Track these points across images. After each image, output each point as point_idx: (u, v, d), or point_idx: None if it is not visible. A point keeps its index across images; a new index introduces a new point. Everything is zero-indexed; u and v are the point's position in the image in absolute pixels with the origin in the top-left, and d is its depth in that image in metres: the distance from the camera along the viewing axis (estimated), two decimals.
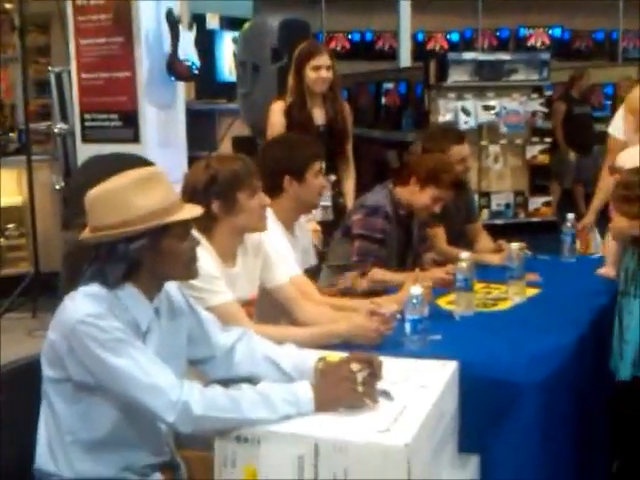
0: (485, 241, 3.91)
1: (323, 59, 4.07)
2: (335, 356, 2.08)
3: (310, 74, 4.05)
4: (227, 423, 1.78)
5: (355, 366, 1.91)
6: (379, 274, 3.18)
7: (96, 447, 1.90)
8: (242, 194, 2.47)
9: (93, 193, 1.88)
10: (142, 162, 2.43)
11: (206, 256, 2.38)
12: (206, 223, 2.41)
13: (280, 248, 2.81)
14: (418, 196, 3.35)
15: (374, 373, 1.93)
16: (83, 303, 1.83)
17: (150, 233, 1.85)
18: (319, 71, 4.05)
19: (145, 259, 1.88)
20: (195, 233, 2.23)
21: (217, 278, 2.41)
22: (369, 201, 3.41)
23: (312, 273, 3.19)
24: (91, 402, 1.87)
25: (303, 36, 4.94)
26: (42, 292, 5.34)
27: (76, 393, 1.87)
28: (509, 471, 2.20)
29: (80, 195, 1.91)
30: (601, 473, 2.90)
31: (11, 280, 5.67)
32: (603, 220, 3.82)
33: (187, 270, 1.98)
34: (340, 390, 1.85)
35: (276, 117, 4.11)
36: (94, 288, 1.86)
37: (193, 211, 1.96)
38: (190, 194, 2.40)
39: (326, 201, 4.12)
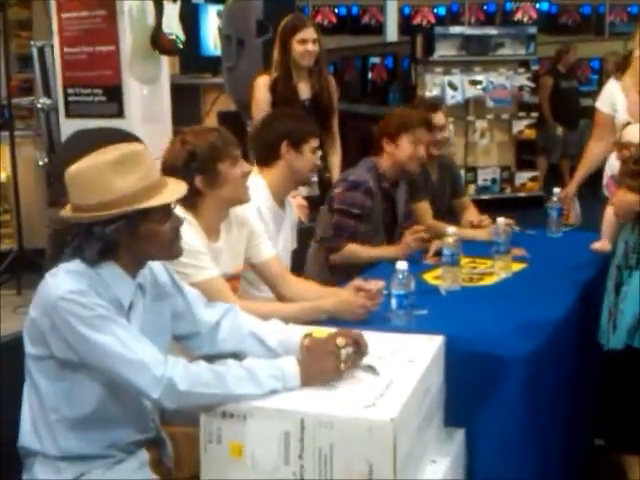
0: (472, 215, 3.89)
1: (309, 32, 4.03)
2: (322, 332, 2.07)
3: (296, 47, 4.01)
4: (212, 399, 1.77)
5: (340, 341, 1.91)
6: (354, 249, 3.20)
7: (80, 424, 1.89)
8: (223, 165, 2.45)
9: (72, 170, 1.84)
10: (128, 137, 2.40)
11: (191, 231, 2.37)
12: (191, 200, 2.39)
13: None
14: (398, 153, 3.36)
15: (360, 351, 1.93)
16: (64, 280, 1.81)
17: (127, 216, 1.82)
18: (305, 44, 4.01)
19: (123, 240, 1.85)
20: (180, 210, 2.21)
21: (202, 253, 2.40)
22: (352, 176, 3.41)
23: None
24: (75, 379, 1.86)
25: (288, 9, 4.89)
26: (26, 269, 5.32)
27: (59, 370, 1.85)
28: (495, 445, 2.20)
29: (63, 171, 1.88)
30: (586, 447, 2.92)
31: None
32: (586, 193, 3.83)
33: (168, 251, 1.95)
34: (325, 364, 1.85)
35: (261, 92, 4.08)
36: (75, 265, 1.84)
37: (174, 193, 1.91)
38: (170, 172, 2.30)
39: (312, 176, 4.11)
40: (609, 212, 2.78)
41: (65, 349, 1.81)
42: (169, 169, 2.37)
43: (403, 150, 3.36)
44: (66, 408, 1.88)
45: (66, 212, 1.86)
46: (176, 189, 1.93)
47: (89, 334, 1.77)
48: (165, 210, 1.89)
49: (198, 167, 2.42)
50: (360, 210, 3.29)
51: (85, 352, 1.80)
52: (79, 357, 1.81)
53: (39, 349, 1.86)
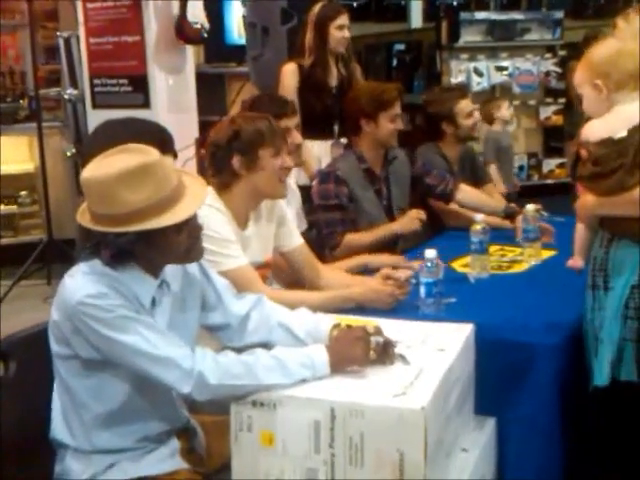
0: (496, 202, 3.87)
1: (345, 18, 4.12)
2: (350, 320, 2.07)
3: (335, 34, 4.07)
4: (243, 390, 1.78)
5: (370, 328, 1.91)
6: (354, 239, 3.15)
7: (111, 420, 1.90)
8: (264, 152, 2.45)
9: (86, 177, 1.79)
10: (155, 127, 2.39)
11: (221, 219, 2.38)
12: (226, 179, 2.44)
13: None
14: (378, 131, 3.32)
15: (389, 342, 1.92)
16: (83, 283, 1.79)
17: (139, 231, 1.77)
18: (343, 31, 4.07)
19: (137, 249, 1.81)
20: (212, 197, 2.21)
21: (232, 242, 2.40)
22: (323, 168, 3.37)
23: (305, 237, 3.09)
24: (102, 377, 1.87)
25: None
26: (56, 259, 5.36)
27: (85, 369, 1.86)
28: (525, 433, 2.20)
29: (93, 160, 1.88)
30: None
31: (25, 247, 5.69)
32: None
33: (185, 258, 1.91)
34: (355, 350, 1.85)
35: (288, 79, 4.08)
36: (94, 265, 1.82)
37: (190, 206, 1.82)
38: (213, 149, 2.44)
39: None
40: (578, 220, 2.34)
41: (90, 350, 1.82)
42: (212, 146, 2.45)
43: (383, 128, 3.32)
44: (96, 404, 1.89)
45: (82, 215, 1.82)
46: (194, 200, 1.83)
47: (114, 336, 1.76)
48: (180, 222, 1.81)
49: (239, 147, 2.43)
50: (337, 200, 3.21)
51: (111, 353, 1.80)
52: (105, 357, 1.82)
53: (64, 349, 1.86)
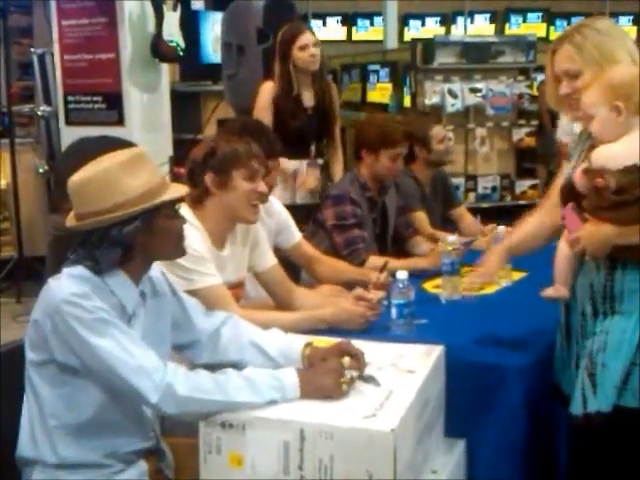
0: (469, 225, 3.93)
1: (307, 37, 4.02)
2: (322, 341, 2.07)
3: (299, 55, 3.98)
4: (211, 405, 1.77)
5: (347, 362, 1.90)
6: (378, 260, 3.08)
7: (80, 431, 1.88)
8: (237, 173, 2.45)
9: (78, 179, 1.84)
10: (128, 145, 2.40)
11: (197, 237, 2.38)
12: (198, 195, 2.44)
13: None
14: (377, 165, 3.37)
15: (358, 366, 1.93)
16: (67, 283, 1.82)
17: (144, 214, 1.84)
18: (307, 49, 3.99)
19: (138, 241, 1.86)
20: (188, 214, 2.24)
21: (207, 260, 2.40)
22: (334, 191, 3.42)
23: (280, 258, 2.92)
24: (75, 385, 1.86)
25: (288, 17, 4.90)
26: (26, 276, 5.31)
27: (60, 375, 1.85)
28: (495, 455, 2.20)
29: (67, 178, 1.88)
30: None
31: None
32: None
33: (176, 248, 1.97)
34: (327, 381, 1.84)
35: (263, 98, 4.05)
36: (78, 270, 1.84)
37: (180, 189, 1.95)
38: (190, 166, 2.47)
39: (315, 184, 4.11)
40: (563, 250, 2.24)
41: (66, 352, 1.81)
42: (190, 162, 2.48)
43: (382, 164, 3.37)
44: (66, 414, 1.87)
45: (76, 221, 1.85)
46: (179, 187, 1.97)
47: (89, 337, 1.77)
48: (174, 206, 1.93)
49: (213, 165, 2.44)
50: (354, 219, 3.27)
51: (85, 355, 1.80)
52: (79, 360, 1.81)
53: (40, 354, 1.85)
